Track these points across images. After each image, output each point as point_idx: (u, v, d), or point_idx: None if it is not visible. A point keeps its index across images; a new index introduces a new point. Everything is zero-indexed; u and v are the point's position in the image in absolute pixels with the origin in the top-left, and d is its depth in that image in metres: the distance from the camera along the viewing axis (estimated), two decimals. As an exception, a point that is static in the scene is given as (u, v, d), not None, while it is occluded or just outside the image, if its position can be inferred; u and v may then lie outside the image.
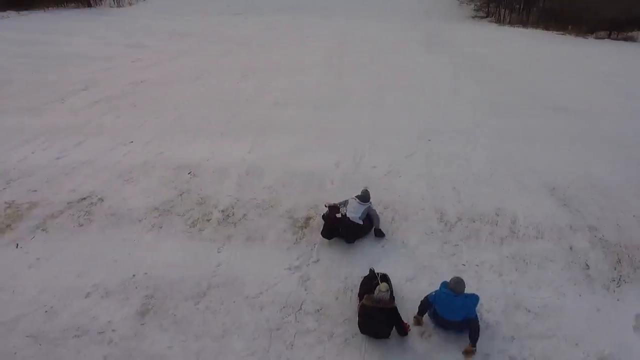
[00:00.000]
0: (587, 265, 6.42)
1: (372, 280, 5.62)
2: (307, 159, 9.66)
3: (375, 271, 5.89)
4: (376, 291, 5.12)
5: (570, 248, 6.78)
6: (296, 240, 6.85)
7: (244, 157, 9.71)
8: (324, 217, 6.84)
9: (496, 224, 7.33)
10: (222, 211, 7.59)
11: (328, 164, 9.41)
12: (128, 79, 16.55)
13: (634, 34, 29.75)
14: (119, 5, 39.11)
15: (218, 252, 6.56)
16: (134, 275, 6.05)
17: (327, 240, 6.71)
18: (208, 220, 7.32)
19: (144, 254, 6.49)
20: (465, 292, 5.19)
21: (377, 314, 5.02)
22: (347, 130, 11.27)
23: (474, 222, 7.36)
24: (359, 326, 5.20)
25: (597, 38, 29.41)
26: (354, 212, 6.74)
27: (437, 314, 5.26)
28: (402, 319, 5.16)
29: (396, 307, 5.15)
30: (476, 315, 5.15)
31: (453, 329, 5.26)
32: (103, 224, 7.23)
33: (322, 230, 6.71)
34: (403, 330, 5.16)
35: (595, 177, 9.02)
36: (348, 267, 6.26)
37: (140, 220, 7.32)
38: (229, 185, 8.50)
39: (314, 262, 6.36)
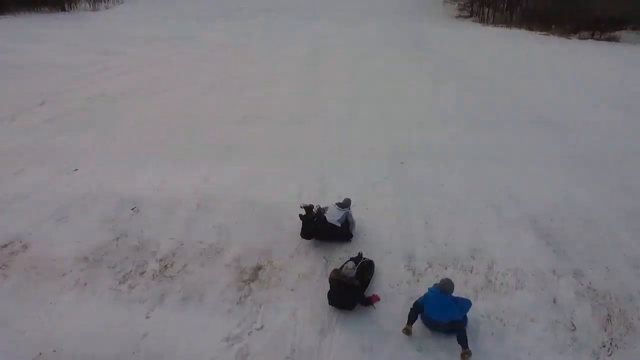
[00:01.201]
0: (573, 324, 5.56)
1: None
2: (267, 188, 8.77)
3: (363, 256, 6.41)
4: (344, 267, 5.63)
5: (554, 301, 5.94)
6: (240, 298, 5.92)
7: (198, 187, 8.78)
8: (301, 217, 6.98)
9: (471, 271, 6.47)
10: (160, 260, 6.64)
11: (289, 194, 8.51)
12: (90, 91, 15.50)
13: (617, 33, 29.10)
14: (94, 9, 37.75)
15: (147, 317, 5.60)
16: (40, 354, 5.08)
17: (272, 302, 5.87)
18: (141, 274, 6.35)
19: (59, 322, 5.52)
20: (455, 296, 5.26)
21: (342, 289, 5.47)
22: (315, 153, 10.36)
23: (446, 269, 6.49)
24: (327, 297, 5.63)
25: (580, 38, 28.77)
26: (333, 216, 6.96)
27: (426, 314, 5.30)
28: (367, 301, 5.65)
29: (358, 286, 5.54)
30: (462, 319, 5.20)
31: (440, 331, 5.26)
32: (20, 280, 6.24)
33: (301, 231, 6.92)
34: (366, 303, 5.62)
35: (580, 206, 8.20)
36: (296, 336, 5.33)
37: (63, 275, 6.35)
38: (174, 225, 7.56)
39: (257, 329, 5.42)
